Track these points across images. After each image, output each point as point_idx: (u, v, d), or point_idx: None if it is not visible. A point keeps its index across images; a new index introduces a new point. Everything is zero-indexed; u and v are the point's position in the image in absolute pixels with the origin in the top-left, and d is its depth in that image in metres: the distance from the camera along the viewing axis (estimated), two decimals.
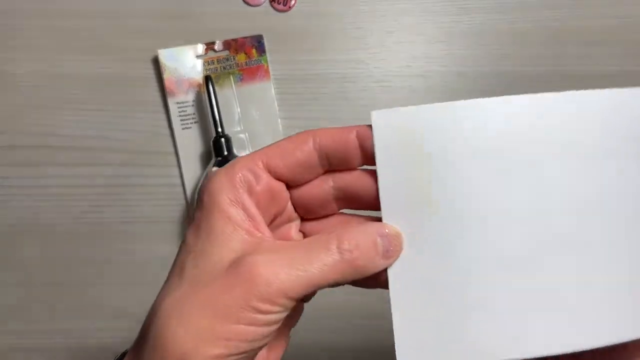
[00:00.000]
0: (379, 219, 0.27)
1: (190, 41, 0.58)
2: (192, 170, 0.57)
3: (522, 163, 0.25)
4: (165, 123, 0.58)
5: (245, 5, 0.58)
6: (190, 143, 0.58)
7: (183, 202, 0.58)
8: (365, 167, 0.28)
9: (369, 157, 0.27)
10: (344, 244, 0.25)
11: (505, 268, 0.25)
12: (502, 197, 0.25)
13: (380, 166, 0.26)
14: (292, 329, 0.31)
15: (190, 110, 0.58)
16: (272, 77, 0.58)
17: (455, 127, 0.26)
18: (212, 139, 0.55)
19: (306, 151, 0.27)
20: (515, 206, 0.25)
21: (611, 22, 0.58)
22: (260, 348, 0.24)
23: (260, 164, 0.27)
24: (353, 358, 0.57)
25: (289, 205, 0.28)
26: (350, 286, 0.27)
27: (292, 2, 0.58)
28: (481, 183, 0.25)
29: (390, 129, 0.26)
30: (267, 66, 0.58)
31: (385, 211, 0.26)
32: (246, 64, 0.58)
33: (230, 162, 0.27)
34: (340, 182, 0.28)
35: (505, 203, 0.25)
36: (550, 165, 0.25)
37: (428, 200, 0.26)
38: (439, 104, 0.26)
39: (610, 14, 0.58)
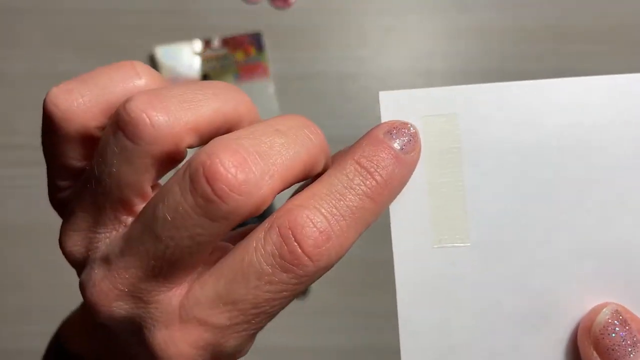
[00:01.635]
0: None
1: (187, 38, 0.57)
2: None
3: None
4: None
5: (244, 2, 0.58)
6: None
7: None
8: None
9: None
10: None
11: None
12: (551, 206, 0.21)
13: None
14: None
15: None
16: (271, 75, 0.57)
17: (499, 112, 0.21)
18: None
19: None
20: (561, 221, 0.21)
21: (616, 20, 0.57)
22: None
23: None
24: (352, 359, 0.56)
25: None
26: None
27: None
28: (530, 188, 0.22)
29: (402, 115, 0.22)
30: (266, 64, 0.57)
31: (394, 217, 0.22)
32: (245, 62, 0.57)
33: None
34: None
35: (554, 213, 0.21)
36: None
37: (457, 207, 0.22)
38: (477, 85, 0.22)
39: (615, 11, 0.57)
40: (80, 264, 0.21)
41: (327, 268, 0.19)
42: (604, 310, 0.21)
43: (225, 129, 0.20)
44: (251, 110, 0.21)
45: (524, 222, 0.22)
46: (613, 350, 0.20)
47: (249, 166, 0.18)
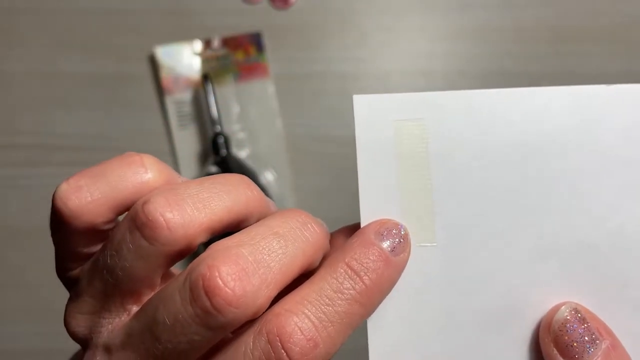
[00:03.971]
0: None
1: (187, 38, 0.57)
2: (189, 169, 0.57)
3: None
4: (161, 122, 0.57)
5: (244, 2, 0.58)
6: (188, 142, 0.57)
7: None
8: None
9: None
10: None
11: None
12: (517, 210, 0.22)
13: (362, 165, 0.22)
14: None
15: (188, 109, 0.57)
16: (271, 75, 0.57)
17: (466, 118, 0.22)
18: (211, 138, 0.55)
19: None
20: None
21: (615, 20, 0.57)
22: None
23: None
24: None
25: None
26: None
27: None
28: (493, 191, 0.22)
29: (375, 119, 0.22)
30: (266, 64, 0.57)
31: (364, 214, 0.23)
32: (245, 62, 0.57)
33: None
34: None
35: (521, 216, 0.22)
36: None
37: (424, 205, 0.22)
38: (445, 92, 0.22)
39: (615, 11, 0.57)
40: (83, 343, 0.22)
41: None
42: (562, 307, 0.21)
43: (235, 224, 0.21)
44: (261, 204, 0.22)
45: (489, 224, 0.22)
46: (572, 346, 0.21)
47: (247, 278, 0.18)
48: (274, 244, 0.20)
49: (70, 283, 0.23)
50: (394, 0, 0.57)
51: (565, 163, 0.22)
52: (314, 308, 0.19)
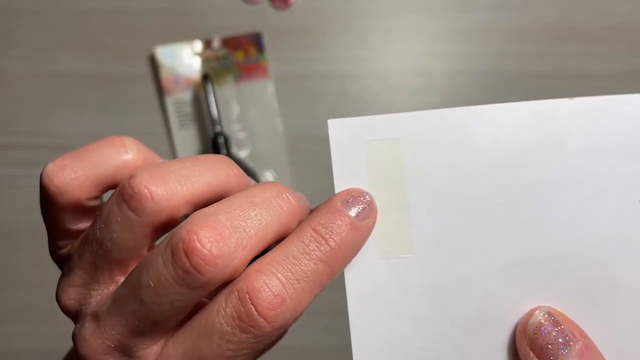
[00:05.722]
0: None
1: (187, 38, 0.57)
2: None
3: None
4: (161, 122, 0.57)
5: (244, 2, 0.58)
6: (188, 142, 0.57)
7: None
8: None
9: None
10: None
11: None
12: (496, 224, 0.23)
13: (339, 187, 0.24)
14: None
15: (188, 109, 0.57)
16: (271, 75, 0.57)
17: (438, 136, 0.23)
18: (211, 138, 0.55)
19: None
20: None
21: (615, 19, 0.57)
22: None
23: None
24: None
25: None
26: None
27: None
28: (468, 207, 0.23)
29: (349, 140, 0.24)
30: (266, 64, 0.57)
31: None
32: (245, 62, 0.57)
33: None
34: None
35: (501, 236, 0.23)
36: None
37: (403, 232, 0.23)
38: (416, 112, 0.24)
39: (614, 11, 0.57)
40: (73, 316, 0.23)
41: (284, 328, 0.21)
42: (537, 312, 0.23)
43: (216, 198, 0.22)
44: (240, 181, 0.23)
45: (464, 234, 0.24)
46: (547, 348, 0.22)
47: (223, 241, 0.20)
48: (250, 212, 0.21)
49: (62, 261, 0.24)
50: (394, 0, 0.57)
51: (534, 175, 0.23)
52: (281, 268, 0.21)
